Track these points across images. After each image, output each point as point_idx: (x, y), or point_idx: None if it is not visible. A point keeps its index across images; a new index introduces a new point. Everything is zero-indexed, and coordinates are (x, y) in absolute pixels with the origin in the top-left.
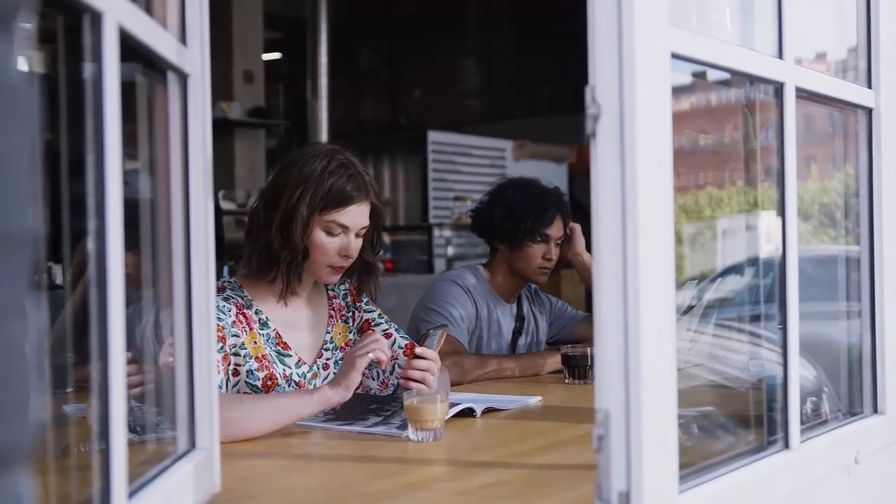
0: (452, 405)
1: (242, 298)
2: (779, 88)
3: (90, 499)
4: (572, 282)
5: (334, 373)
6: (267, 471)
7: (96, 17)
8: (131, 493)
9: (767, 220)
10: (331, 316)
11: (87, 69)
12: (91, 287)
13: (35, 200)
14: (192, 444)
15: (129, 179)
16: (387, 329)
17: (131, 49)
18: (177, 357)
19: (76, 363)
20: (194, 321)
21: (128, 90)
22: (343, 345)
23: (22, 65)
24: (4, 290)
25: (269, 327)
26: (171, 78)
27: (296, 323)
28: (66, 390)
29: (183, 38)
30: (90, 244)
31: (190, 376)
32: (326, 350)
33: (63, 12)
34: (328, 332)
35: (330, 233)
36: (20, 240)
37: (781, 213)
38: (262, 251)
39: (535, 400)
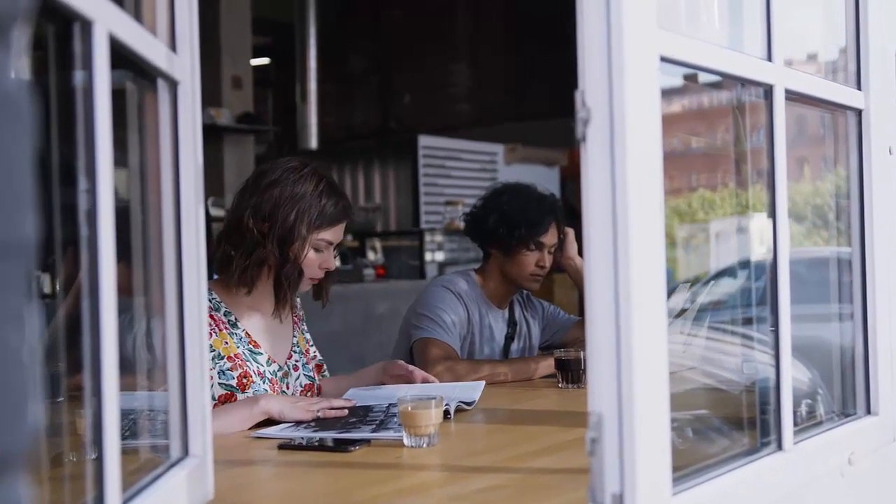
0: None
1: (210, 301)
2: (768, 90)
3: None
4: (565, 286)
5: (304, 374)
6: (260, 478)
7: (87, 25)
8: (125, 501)
9: (759, 223)
10: (295, 323)
11: (78, 76)
12: (82, 295)
13: (33, 209)
14: (186, 452)
15: (118, 187)
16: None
17: (121, 56)
18: (169, 365)
19: (67, 372)
20: (186, 329)
21: (117, 97)
22: (304, 351)
23: (19, 73)
24: (4, 297)
25: (239, 328)
26: (161, 85)
27: (265, 327)
28: (58, 399)
29: (173, 46)
30: (82, 253)
31: (182, 384)
32: (295, 352)
33: (53, 20)
34: (294, 337)
35: (317, 249)
36: (20, 248)
37: (772, 214)
38: (255, 265)
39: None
